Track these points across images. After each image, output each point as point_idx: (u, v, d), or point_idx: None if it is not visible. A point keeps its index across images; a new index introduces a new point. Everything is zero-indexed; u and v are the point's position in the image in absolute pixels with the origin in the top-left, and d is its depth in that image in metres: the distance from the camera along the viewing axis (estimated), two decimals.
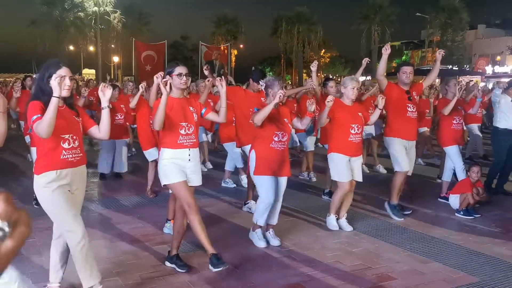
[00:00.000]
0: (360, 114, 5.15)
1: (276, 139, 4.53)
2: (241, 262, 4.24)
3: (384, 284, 3.80)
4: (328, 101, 4.75)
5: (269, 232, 4.76)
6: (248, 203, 5.93)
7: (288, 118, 4.68)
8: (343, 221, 5.26)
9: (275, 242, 4.70)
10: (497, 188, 6.99)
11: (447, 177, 6.56)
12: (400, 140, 5.67)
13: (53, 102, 3.00)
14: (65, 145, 3.20)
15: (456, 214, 5.84)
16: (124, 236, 4.94)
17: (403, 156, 5.66)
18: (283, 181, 4.71)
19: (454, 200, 5.92)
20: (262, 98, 4.93)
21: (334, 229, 5.14)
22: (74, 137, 3.26)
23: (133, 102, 6.53)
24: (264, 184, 4.56)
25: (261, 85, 4.88)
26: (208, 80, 5.81)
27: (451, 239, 4.94)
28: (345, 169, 5.07)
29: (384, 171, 8.44)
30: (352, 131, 5.03)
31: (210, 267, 3.88)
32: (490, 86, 18.85)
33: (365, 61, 6.76)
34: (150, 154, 6.39)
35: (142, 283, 3.78)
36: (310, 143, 7.78)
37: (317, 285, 3.78)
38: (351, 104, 5.14)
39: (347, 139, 5.03)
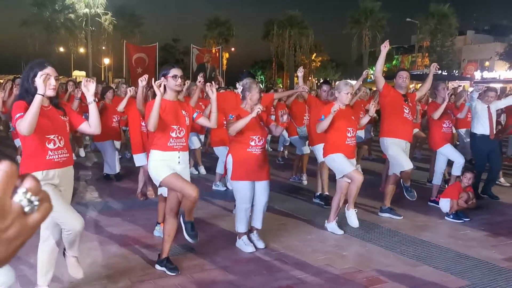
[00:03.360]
0: (353, 117, 5.22)
1: (252, 143, 4.50)
2: (232, 265, 4.22)
3: (375, 287, 3.81)
4: (334, 109, 4.76)
5: (253, 234, 4.73)
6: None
7: (265, 121, 4.68)
8: (334, 223, 5.24)
9: (259, 244, 4.68)
10: (484, 192, 7.03)
11: (437, 180, 6.61)
12: (398, 140, 5.71)
13: (37, 100, 2.98)
14: (51, 146, 3.17)
15: (446, 217, 5.88)
16: (114, 239, 4.90)
17: (402, 155, 5.70)
18: (264, 185, 4.63)
19: (444, 204, 5.96)
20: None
21: (354, 226, 5.14)
22: (60, 137, 3.22)
23: (121, 106, 6.50)
24: (240, 189, 4.56)
25: (238, 88, 4.85)
26: (200, 81, 5.81)
27: (441, 243, 4.96)
28: (348, 162, 5.08)
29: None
30: (349, 134, 5.08)
31: (185, 234, 3.97)
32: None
33: (366, 72, 6.95)
34: (138, 159, 6.37)
35: (132, 287, 3.74)
36: (306, 147, 7.80)
37: None
38: (345, 108, 5.18)
39: (344, 142, 5.07)
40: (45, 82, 3.01)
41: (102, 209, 6.10)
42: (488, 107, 6.82)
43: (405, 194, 5.91)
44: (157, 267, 4.05)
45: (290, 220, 5.73)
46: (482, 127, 6.81)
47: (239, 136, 4.50)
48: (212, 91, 4.11)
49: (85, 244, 4.72)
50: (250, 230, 4.77)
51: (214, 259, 4.34)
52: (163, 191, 4.49)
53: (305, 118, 7.77)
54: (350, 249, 4.75)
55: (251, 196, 4.59)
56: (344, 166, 5.08)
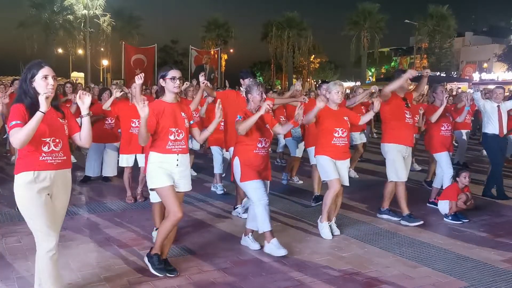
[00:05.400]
0: (345, 118, 5.17)
1: (259, 145, 4.55)
2: (231, 267, 4.21)
3: None
4: (319, 101, 4.74)
5: (249, 236, 4.74)
6: (237, 207, 5.90)
7: (269, 123, 4.70)
8: (332, 224, 5.25)
9: (255, 246, 4.67)
10: (484, 193, 7.04)
11: (437, 183, 6.55)
12: (399, 146, 5.65)
13: (36, 117, 2.91)
14: (45, 148, 3.09)
15: (445, 219, 5.88)
16: (112, 240, 4.89)
17: (401, 165, 5.65)
18: (266, 185, 4.73)
19: (443, 205, 5.96)
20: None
21: (327, 238, 5.07)
22: (57, 140, 3.13)
23: (106, 104, 6.54)
24: (254, 188, 4.53)
25: (242, 91, 4.89)
26: (203, 83, 5.84)
27: (440, 244, 4.96)
28: (332, 167, 5.09)
29: (357, 177, 8.50)
30: (336, 135, 5.07)
31: (149, 265, 3.95)
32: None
33: (374, 88, 6.95)
34: (121, 159, 6.47)
35: None
36: (299, 150, 7.81)
37: None
38: (337, 109, 5.18)
39: (331, 142, 5.07)
40: (48, 100, 2.94)
41: (100, 211, 6.09)
42: (498, 106, 6.86)
43: (390, 217, 5.82)
44: (147, 264, 3.98)
45: (289, 221, 5.72)
46: (493, 127, 6.86)
47: (247, 138, 4.51)
48: (219, 114, 4.05)
49: (83, 245, 4.71)
50: (245, 232, 4.77)
51: (212, 261, 4.33)
52: (154, 197, 4.48)
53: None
54: (349, 250, 4.73)
55: (265, 192, 4.55)
56: (327, 171, 5.11)
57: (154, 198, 4.57)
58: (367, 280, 3.98)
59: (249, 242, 4.71)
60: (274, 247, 4.50)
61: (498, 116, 6.88)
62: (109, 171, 7.63)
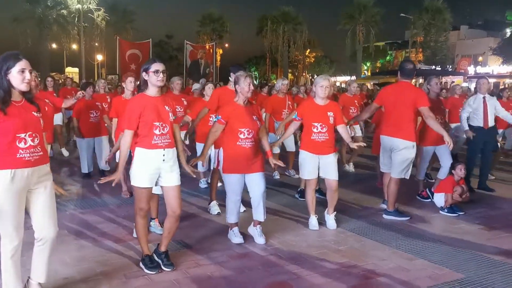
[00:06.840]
0: (329, 113, 5.08)
1: (241, 136, 4.46)
2: (227, 261, 4.21)
3: (370, 281, 3.81)
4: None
5: (256, 229, 4.74)
6: (211, 205, 5.85)
7: (259, 116, 4.66)
8: (331, 218, 5.25)
9: (259, 240, 4.68)
10: (480, 186, 7.08)
11: (442, 174, 6.44)
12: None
13: None
14: (21, 145, 2.97)
15: (441, 211, 5.90)
16: (108, 235, 4.87)
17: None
18: (256, 177, 4.57)
19: (439, 198, 5.98)
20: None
21: (314, 229, 5.14)
22: (34, 135, 3.03)
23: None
24: (230, 183, 4.60)
25: (231, 82, 4.84)
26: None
27: (435, 236, 4.98)
28: (309, 166, 5.13)
29: (353, 171, 8.54)
30: (315, 130, 5.05)
31: (143, 267, 3.97)
32: (472, 86, 19.11)
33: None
34: (118, 154, 6.42)
35: (127, 282, 3.72)
36: (290, 143, 7.81)
37: (303, 283, 3.77)
38: (323, 103, 5.12)
39: (310, 137, 5.08)
40: None
41: (97, 205, 6.07)
42: (484, 98, 6.83)
43: (396, 218, 5.59)
44: (142, 267, 3.98)
45: (285, 215, 5.72)
46: (477, 119, 6.85)
47: (228, 129, 4.51)
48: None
49: (80, 240, 4.70)
50: (253, 224, 4.78)
51: (209, 255, 4.33)
52: (157, 190, 4.47)
53: (283, 112, 7.76)
54: (345, 243, 4.74)
55: (240, 189, 4.64)
56: (303, 170, 5.23)
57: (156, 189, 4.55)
58: (363, 272, 3.99)
59: (255, 234, 4.74)
60: (233, 234, 4.73)
61: (483, 108, 6.82)
62: (103, 164, 7.61)
